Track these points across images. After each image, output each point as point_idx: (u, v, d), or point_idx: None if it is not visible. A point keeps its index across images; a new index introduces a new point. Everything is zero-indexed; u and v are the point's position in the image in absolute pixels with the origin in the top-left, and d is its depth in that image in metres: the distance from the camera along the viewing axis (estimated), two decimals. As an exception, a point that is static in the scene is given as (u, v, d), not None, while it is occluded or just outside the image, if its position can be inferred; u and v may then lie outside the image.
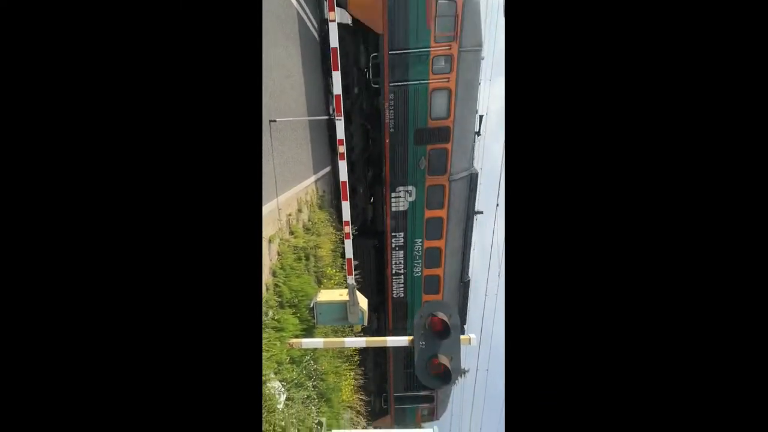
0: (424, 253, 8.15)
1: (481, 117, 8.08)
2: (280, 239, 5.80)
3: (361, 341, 5.77)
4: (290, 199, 6.44)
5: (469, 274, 9.40)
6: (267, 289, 5.10)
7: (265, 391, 4.09)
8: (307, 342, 5.00)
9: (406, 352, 9.07)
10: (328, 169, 8.91)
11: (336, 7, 3.80)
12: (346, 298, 5.16)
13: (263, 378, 4.12)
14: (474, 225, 8.77)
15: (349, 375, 7.55)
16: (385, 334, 9.51)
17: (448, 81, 7.00)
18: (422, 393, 10.17)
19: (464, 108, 7.33)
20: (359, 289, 5.07)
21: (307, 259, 6.55)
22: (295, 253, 6.13)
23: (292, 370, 4.86)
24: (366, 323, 5.40)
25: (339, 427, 6.57)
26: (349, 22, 6.91)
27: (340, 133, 4.57)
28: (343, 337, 6.41)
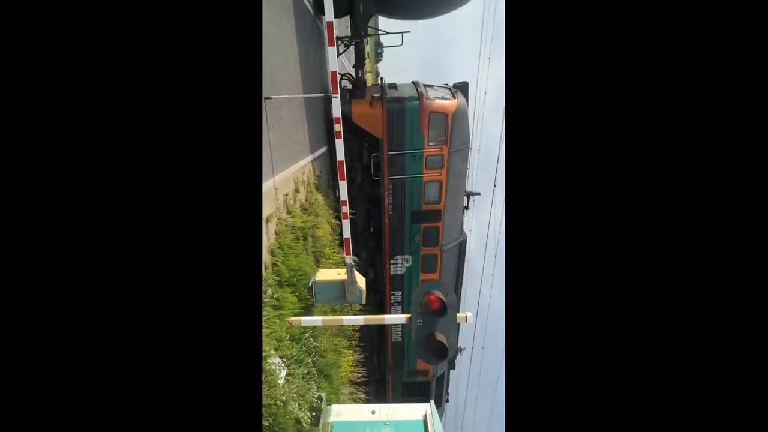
0: None
1: (468, 195, 9.50)
2: (278, 219, 5.81)
3: (359, 319, 5.86)
4: (287, 179, 6.41)
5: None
6: (265, 269, 5.14)
7: (266, 366, 4.18)
8: (306, 320, 5.07)
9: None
10: (324, 149, 8.84)
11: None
12: (344, 277, 5.21)
13: (263, 354, 4.20)
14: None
15: (349, 353, 7.71)
16: (386, 376, 10.54)
17: (439, 175, 8.29)
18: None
19: (454, 193, 8.63)
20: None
21: (305, 239, 6.57)
22: (293, 233, 6.15)
23: (292, 347, 4.95)
24: (364, 302, 5.48)
25: (339, 402, 6.75)
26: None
27: (336, 110, 4.52)
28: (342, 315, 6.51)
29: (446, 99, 8.12)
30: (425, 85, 8.59)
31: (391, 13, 8.45)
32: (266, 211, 5.34)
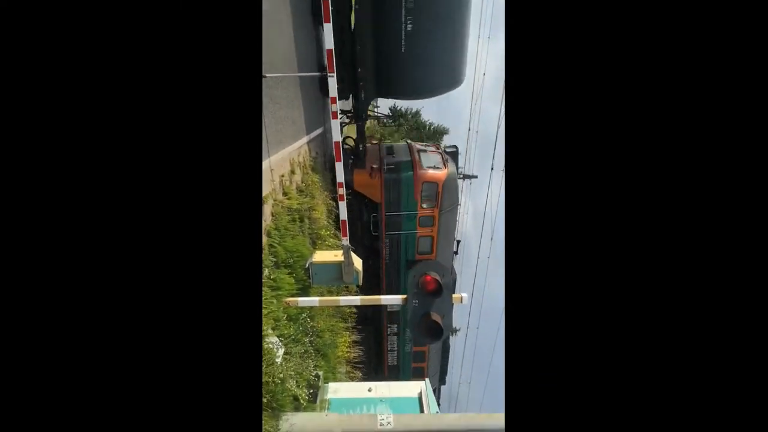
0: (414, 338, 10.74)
1: (458, 242, 11.09)
2: (274, 200, 5.79)
3: (355, 299, 5.94)
4: (283, 160, 6.36)
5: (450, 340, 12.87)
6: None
7: (264, 345, 4.25)
8: (304, 300, 5.13)
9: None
10: (320, 130, 8.74)
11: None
12: (341, 258, 5.24)
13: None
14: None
15: (345, 333, 7.84)
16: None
17: (431, 231, 9.40)
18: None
19: (444, 245, 9.86)
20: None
21: (302, 221, 6.58)
22: (289, 215, 6.15)
23: (289, 327, 5.02)
24: (360, 283, 5.53)
25: (335, 381, 6.90)
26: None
27: (333, 90, 4.45)
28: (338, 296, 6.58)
29: (438, 168, 9.19)
30: (419, 151, 9.59)
31: (389, 96, 9.39)
32: (262, 192, 5.33)
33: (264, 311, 4.50)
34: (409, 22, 6.89)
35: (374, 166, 9.13)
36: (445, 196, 9.12)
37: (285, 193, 6.34)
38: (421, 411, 6.18)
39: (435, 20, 7.09)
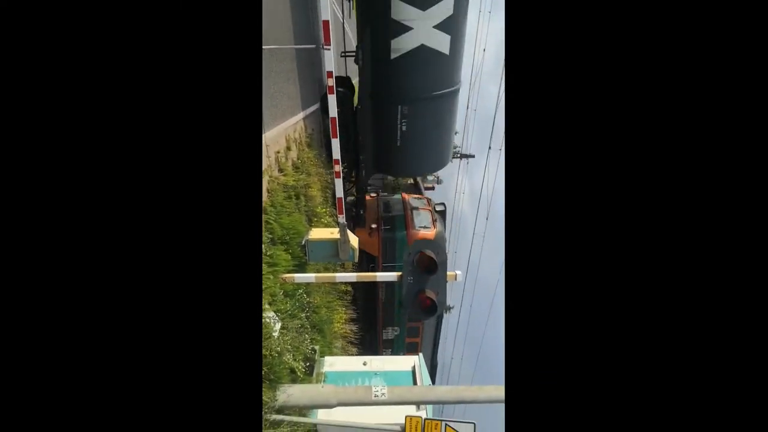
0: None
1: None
2: (270, 177, 5.76)
3: (352, 276, 6.01)
4: (278, 136, 6.28)
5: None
6: (259, 227, 5.16)
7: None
8: (300, 277, 5.18)
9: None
10: (317, 105, 8.60)
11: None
12: (337, 236, 5.27)
13: (258, 309, 4.32)
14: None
15: (342, 309, 7.97)
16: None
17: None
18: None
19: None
20: None
21: (298, 198, 6.56)
22: (285, 192, 6.13)
23: (286, 303, 5.09)
24: (356, 260, 5.58)
25: (331, 355, 7.07)
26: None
27: (329, 64, 4.36)
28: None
29: (428, 228, 10.64)
30: (412, 209, 11.00)
31: (385, 174, 10.71)
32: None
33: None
34: (403, 123, 8.00)
35: (373, 226, 10.81)
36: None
37: (281, 170, 6.30)
38: (415, 384, 6.37)
39: (426, 123, 8.19)
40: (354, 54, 8.16)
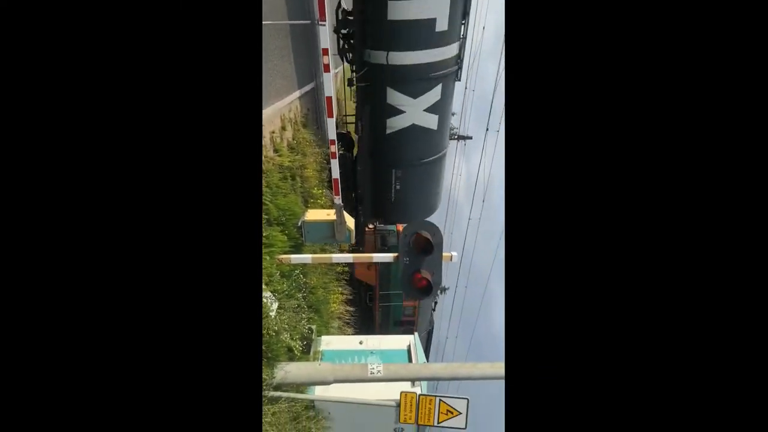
0: None
1: (435, 302, 14.51)
2: (265, 157, 5.70)
3: (348, 257, 6.04)
4: (273, 116, 6.19)
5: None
6: (254, 208, 5.14)
7: (258, 301, 4.35)
8: (296, 258, 5.20)
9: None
10: (312, 84, 8.45)
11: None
12: (333, 217, 5.27)
13: (256, 290, 4.35)
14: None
15: (338, 290, 8.05)
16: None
17: (415, 301, 12.36)
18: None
19: (424, 311, 13.39)
20: None
21: (293, 178, 6.52)
22: (280, 173, 6.09)
23: (282, 283, 5.12)
24: (353, 241, 5.61)
25: (328, 335, 7.18)
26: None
27: (325, 41, 4.27)
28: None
29: None
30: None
31: (383, 220, 11.47)
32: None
33: (258, 267, 4.57)
34: (397, 183, 9.10)
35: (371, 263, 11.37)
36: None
37: (276, 150, 6.24)
38: (410, 362, 6.50)
39: (417, 183, 9.28)
40: (354, 123, 9.41)
